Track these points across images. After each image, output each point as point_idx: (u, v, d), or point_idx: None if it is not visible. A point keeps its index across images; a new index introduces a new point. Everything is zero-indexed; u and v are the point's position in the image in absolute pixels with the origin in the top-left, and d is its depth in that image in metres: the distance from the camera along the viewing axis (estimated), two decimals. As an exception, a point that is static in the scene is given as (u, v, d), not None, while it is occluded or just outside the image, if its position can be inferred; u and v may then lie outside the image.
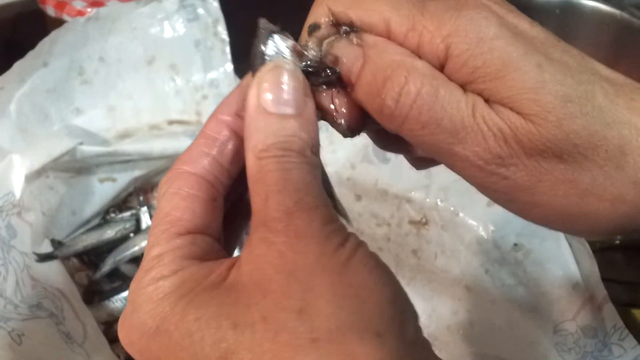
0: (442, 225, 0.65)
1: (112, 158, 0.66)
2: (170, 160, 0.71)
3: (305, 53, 0.31)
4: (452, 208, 0.64)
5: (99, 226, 0.71)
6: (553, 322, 0.61)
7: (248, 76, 0.31)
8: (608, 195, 0.28)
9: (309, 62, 0.31)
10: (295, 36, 0.32)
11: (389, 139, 0.33)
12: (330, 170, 0.67)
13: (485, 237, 0.63)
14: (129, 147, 0.66)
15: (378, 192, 0.67)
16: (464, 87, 0.28)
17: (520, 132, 0.27)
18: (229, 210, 0.33)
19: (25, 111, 0.64)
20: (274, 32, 0.31)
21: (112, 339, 0.64)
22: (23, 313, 0.54)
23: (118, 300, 0.66)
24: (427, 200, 0.65)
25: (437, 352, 0.70)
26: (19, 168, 0.59)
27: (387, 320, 0.25)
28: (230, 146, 0.31)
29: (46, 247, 0.64)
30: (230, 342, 0.24)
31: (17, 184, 0.58)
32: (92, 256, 0.70)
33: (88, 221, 0.71)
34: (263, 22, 0.31)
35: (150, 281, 0.27)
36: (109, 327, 0.65)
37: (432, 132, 0.28)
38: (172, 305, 0.26)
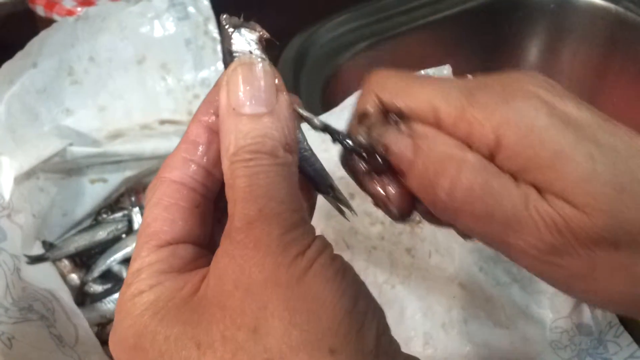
0: (436, 223, 0.64)
1: (103, 159, 0.65)
2: (161, 161, 0.70)
3: (358, 140, 0.31)
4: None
5: (90, 227, 0.70)
6: (548, 320, 0.61)
7: (223, 74, 0.30)
8: None
9: (360, 149, 0.31)
10: (263, 25, 0.31)
11: (439, 220, 0.33)
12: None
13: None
14: (120, 147, 0.65)
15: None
16: (515, 176, 0.28)
17: (574, 222, 0.27)
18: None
19: (15, 112, 0.63)
20: (238, 26, 0.30)
21: (105, 341, 0.64)
22: (13, 316, 0.54)
23: (110, 302, 0.65)
24: (421, 198, 0.65)
25: (431, 351, 0.69)
26: (8, 170, 0.58)
27: (342, 334, 0.24)
28: (212, 149, 0.30)
29: (37, 249, 0.64)
30: None
31: (5, 186, 0.58)
32: (84, 257, 0.69)
33: (79, 222, 0.70)
34: (225, 18, 0.30)
35: (130, 297, 0.27)
36: (102, 329, 0.64)
37: (485, 224, 0.28)
38: (146, 323, 0.26)
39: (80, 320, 0.59)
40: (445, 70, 0.61)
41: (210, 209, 0.31)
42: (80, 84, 0.69)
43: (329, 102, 0.81)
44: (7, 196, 0.57)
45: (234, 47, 0.29)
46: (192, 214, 0.29)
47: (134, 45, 0.71)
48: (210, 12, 0.73)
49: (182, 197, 0.29)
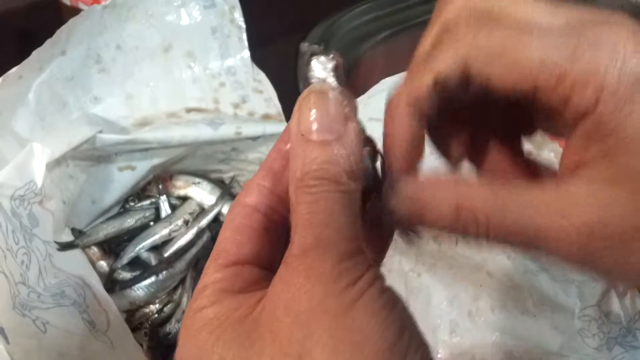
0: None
1: (131, 146, 0.66)
2: (189, 148, 0.70)
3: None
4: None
5: (118, 215, 0.71)
6: (577, 308, 0.61)
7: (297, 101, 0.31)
8: None
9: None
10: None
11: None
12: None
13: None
14: (148, 135, 0.66)
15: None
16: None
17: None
18: None
19: (44, 100, 0.64)
20: (315, 54, 0.31)
21: (134, 328, 0.64)
22: (47, 302, 0.54)
23: (139, 289, 0.66)
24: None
25: (458, 339, 0.69)
26: (40, 156, 0.59)
27: None
28: (285, 175, 0.30)
29: (67, 236, 0.64)
30: None
31: (38, 173, 0.58)
32: (113, 245, 0.70)
33: (108, 210, 0.71)
34: (304, 46, 0.31)
35: (193, 312, 0.28)
36: (131, 315, 0.65)
37: (523, 240, 0.27)
38: (204, 340, 0.26)
39: (111, 306, 0.59)
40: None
41: (281, 233, 0.31)
42: (107, 72, 0.69)
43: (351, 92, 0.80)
44: (39, 182, 0.58)
45: (310, 74, 0.30)
46: (261, 237, 0.30)
47: (161, 33, 0.71)
48: (236, 1, 0.73)
49: (253, 221, 0.30)
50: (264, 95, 0.72)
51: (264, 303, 0.26)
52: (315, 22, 0.92)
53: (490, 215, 0.27)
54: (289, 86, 0.77)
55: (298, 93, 0.30)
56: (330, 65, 0.30)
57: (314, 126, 0.28)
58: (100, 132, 0.63)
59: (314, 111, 0.28)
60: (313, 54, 0.31)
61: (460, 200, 0.28)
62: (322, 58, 0.30)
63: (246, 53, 0.74)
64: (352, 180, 0.27)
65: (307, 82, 0.30)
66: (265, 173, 0.31)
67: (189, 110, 0.72)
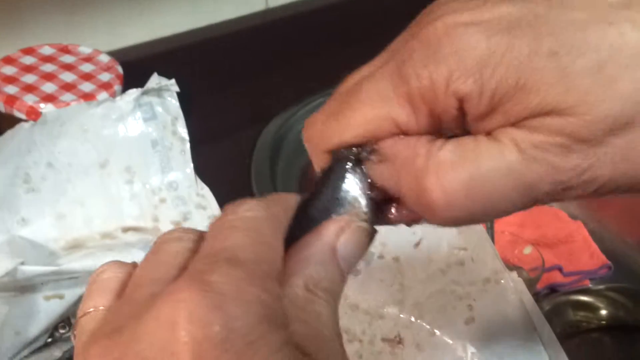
0: (417, 344, 0.60)
1: (58, 277, 0.61)
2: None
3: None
4: (427, 326, 0.59)
5: (45, 346, 0.65)
6: None
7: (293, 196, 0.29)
8: None
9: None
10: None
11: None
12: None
13: (465, 359, 0.58)
14: (77, 264, 0.61)
15: (348, 307, 0.63)
16: (489, 126, 0.26)
17: (569, 131, 0.24)
18: None
19: (-35, 226, 0.59)
20: (350, 170, 0.28)
21: None
22: None
23: None
24: (401, 316, 0.60)
25: None
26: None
27: None
28: None
29: (-15, 375, 0.59)
30: None
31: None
32: (38, 381, 0.64)
33: (34, 340, 0.65)
34: (341, 153, 0.28)
35: None
36: None
37: (497, 200, 0.26)
38: None
39: None
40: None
41: None
42: (37, 191, 0.64)
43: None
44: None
45: (344, 194, 0.29)
46: None
47: (96, 148, 0.67)
48: (179, 111, 0.70)
49: None
50: (207, 212, 0.68)
51: None
52: (272, 116, 0.89)
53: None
54: (240, 188, 0.74)
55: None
56: (363, 185, 0.29)
57: (345, 253, 0.28)
58: (23, 263, 0.58)
59: (350, 241, 0.28)
60: (347, 170, 0.28)
61: None
62: (357, 174, 0.28)
63: (189, 166, 0.70)
64: None
65: (339, 201, 0.29)
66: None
67: (125, 230, 0.67)
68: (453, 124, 0.26)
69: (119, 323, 0.24)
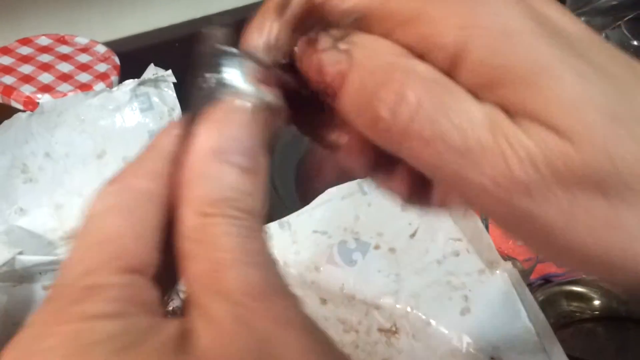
0: (413, 334, 0.60)
1: (56, 266, 0.61)
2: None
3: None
4: (423, 316, 0.60)
5: (43, 336, 0.65)
6: None
7: (176, 123, 0.25)
8: None
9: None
10: None
11: (422, 193, 0.28)
12: (293, 272, 0.63)
13: (460, 349, 0.58)
14: (74, 253, 0.61)
15: (345, 297, 0.63)
16: (478, 94, 0.23)
17: (555, 154, 0.21)
18: None
19: (-38, 216, 0.59)
20: (228, 52, 0.24)
21: None
22: None
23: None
24: (397, 306, 0.61)
25: None
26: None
27: None
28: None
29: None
30: None
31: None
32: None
33: (32, 330, 0.66)
34: (212, 34, 0.24)
35: (78, 316, 0.20)
36: None
37: (437, 152, 0.22)
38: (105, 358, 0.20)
39: None
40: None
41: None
42: (34, 181, 0.65)
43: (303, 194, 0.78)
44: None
45: (223, 77, 0.24)
46: (157, 239, 0.23)
47: (93, 138, 0.67)
48: (175, 102, 0.70)
49: (149, 215, 0.23)
50: (203, 202, 0.69)
51: (199, 339, 0.20)
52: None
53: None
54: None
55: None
56: (248, 66, 0.24)
57: (232, 147, 0.23)
58: (21, 253, 0.59)
59: (235, 129, 0.23)
60: (224, 52, 0.24)
61: None
62: (238, 56, 0.24)
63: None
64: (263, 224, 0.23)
65: (220, 88, 0.23)
66: (156, 155, 0.24)
67: (123, 220, 0.67)
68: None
69: None
